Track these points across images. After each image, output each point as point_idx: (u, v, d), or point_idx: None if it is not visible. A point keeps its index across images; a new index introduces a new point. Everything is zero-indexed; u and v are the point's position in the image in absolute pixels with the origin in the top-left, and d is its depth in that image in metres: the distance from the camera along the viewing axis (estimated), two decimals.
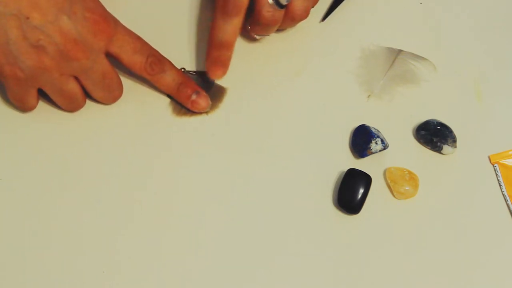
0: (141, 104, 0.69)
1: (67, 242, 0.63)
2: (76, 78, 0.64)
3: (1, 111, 0.67)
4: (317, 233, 0.64)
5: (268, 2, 0.65)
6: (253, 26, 0.69)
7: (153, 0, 0.73)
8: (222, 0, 0.66)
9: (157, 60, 0.66)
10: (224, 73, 0.69)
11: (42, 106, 0.67)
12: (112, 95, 0.66)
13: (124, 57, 0.65)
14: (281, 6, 0.66)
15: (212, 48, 0.68)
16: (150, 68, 0.65)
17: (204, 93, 0.68)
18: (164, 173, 0.66)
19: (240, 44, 0.72)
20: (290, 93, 0.70)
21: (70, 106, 0.66)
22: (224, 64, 0.68)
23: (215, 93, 0.69)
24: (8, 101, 0.67)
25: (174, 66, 0.68)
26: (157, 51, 0.66)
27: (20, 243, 0.63)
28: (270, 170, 0.66)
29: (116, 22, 0.64)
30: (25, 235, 0.63)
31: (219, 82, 0.70)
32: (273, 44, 0.72)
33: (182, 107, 0.68)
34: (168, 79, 0.67)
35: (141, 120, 0.68)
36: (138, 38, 0.65)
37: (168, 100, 0.69)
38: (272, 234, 0.64)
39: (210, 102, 0.68)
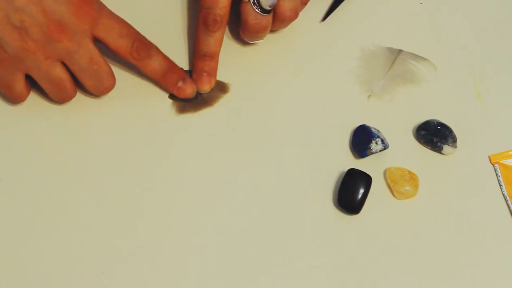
0: (142, 104, 0.69)
1: (67, 242, 0.63)
2: (64, 65, 0.63)
3: (1, 111, 0.67)
4: (317, 233, 0.64)
5: (253, 11, 0.66)
6: (243, 33, 0.69)
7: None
8: (202, 15, 0.67)
9: (144, 45, 0.66)
10: (211, 83, 0.69)
11: (42, 105, 0.67)
12: (102, 84, 0.66)
13: (109, 41, 0.64)
14: (266, 12, 0.66)
15: (197, 60, 0.69)
16: (136, 52, 0.65)
17: (190, 80, 0.68)
18: (164, 174, 0.66)
19: (240, 44, 0.72)
20: (290, 93, 0.70)
21: (59, 94, 0.66)
22: (210, 75, 0.69)
23: (215, 89, 0.69)
24: (8, 101, 0.67)
25: (161, 52, 0.67)
26: (143, 36, 0.66)
27: (20, 243, 0.63)
28: (270, 170, 0.66)
29: (101, 6, 0.64)
30: (25, 235, 0.63)
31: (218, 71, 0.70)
32: (273, 44, 0.72)
33: (179, 101, 0.68)
34: (155, 64, 0.67)
35: (141, 120, 0.68)
36: (124, 23, 0.65)
37: (169, 100, 0.69)
38: (272, 234, 0.64)
39: (196, 89, 0.68)
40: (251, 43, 0.71)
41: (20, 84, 0.64)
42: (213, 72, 0.69)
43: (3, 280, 0.61)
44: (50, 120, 0.67)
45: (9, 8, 0.59)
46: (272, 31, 0.71)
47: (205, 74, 0.69)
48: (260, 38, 0.70)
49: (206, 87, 0.69)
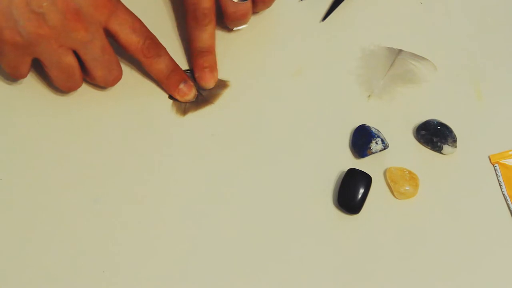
0: (141, 103, 0.69)
1: (67, 242, 0.63)
2: (75, 54, 0.64)
3: (1, 111, 0.67)
4: (317, 233, 0.64)
5: (230, 0, 0.67)
6: (226, 22, 0.70)
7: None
8: (191, 12, 0.68)
9: (154, 44, 0.66)
10: (215, 78, 0.69)
11: (42, 105, 0.67)
12: (111, 74, 0.66)
13: (121, 36, 0.65)
14: None
15: (195, 58, 0.69)
16: (147, 50, 0.66)
17: (191, 83, 0.68)
18: (165, 174, 0.66)
19: (240, 44, 0.72)
20: (290, 93, 0.70)
21: (67, 83, 0.65)
22: (212, 69, 0.69)
23: (215, 86, 0.69)
24: (7, 101, 0.67)
25: (168, 53, 0.68)
26: (154, 36, 0.67)
27: (20, 243, 0.63)
28: (270, 170, 0.66)
29: (118, 1, 0.65)
30: (25, 235, 0.63)
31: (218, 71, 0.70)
32: (273, 44, 0.72)
33: (179, 102, 0.68)
34: (162, 64, 0.67)
35: (141, 119, 0.68)
36: (138, 19, 0.66)
37: (169, 100, 0.69)
38: (272, 234, 0.64)
39: (196, 92, 0.69)
40: (235, 30, 0.72)
41: (26, 66, 0.64)
42: (214, 66, 0.69)
43: (3, 280, 0.61)
44: (50, 119, 0.67)
45: None
46: (256, 13, 0.71)
47: (206, 69, 0.69)
48: (243, 24, 0.71)
49: (210, 83, 0.69)
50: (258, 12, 0.72)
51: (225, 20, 0.70)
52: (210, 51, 0.69)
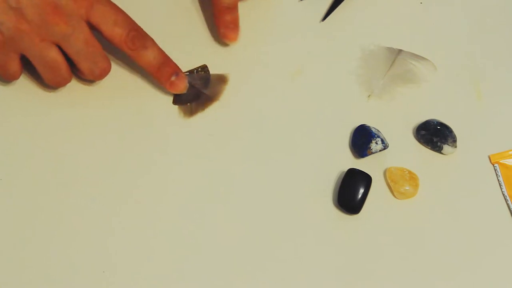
0: (140, 103, 0.69)
1: (67, 242, 0.63)
2: (60, 48, 0.63)
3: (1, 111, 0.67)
4: (317, 233, 0.64)
5: None
6: None
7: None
8: None
9: (139, 35, 0.66)
10: (238, 34, 0.70)
11: (42, 105, 0.67)
12: (97, 66, 0.65)
13: (104, 28, 0.64)
14: None
15: (221, 14, 0.69)
16: (131, 42, 0.65)
17: (183, 75, 0.68)
18: (164, 173, 0.66)
19: (240, 44, 0.72)
20: (290, 93, 0.70)
21: (54, 78, 0.65)
22: (236, 26, 0.70)
23: (216, 83, 0.69)
24: (5, 101, 0.67)
25: (157, 44, 0.67)
26: (140, 27, 0.66)
27: (20, 243, 0.63)
28: (270, 170, 0.66)
29: None
30: (24, 235, 0.63)
31: (217, 71, 0.70)
32: (273, 43, 0.72)
33: (184, 104, 0.68)
34: (149, 56, 0.66)
35: (140, 120, 0.68)
36: (120, 11, 0.65)
37: (169, 100, 0.69)
38: (272, 234, 0.64)
39: (187, 84, 0.68)
40: (253, 37, 0.71)
41: (14, 64, 0.64)
42: (237, 22, 0.70)
43: (3, 280, 0.61)
44: (50, 119, 0.67)
45: None
46: None
47: (231, 25, 0.69)
48: None
49: (235, 37, 0.70)
50: None
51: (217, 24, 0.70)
52: (235, 7, 0.69)
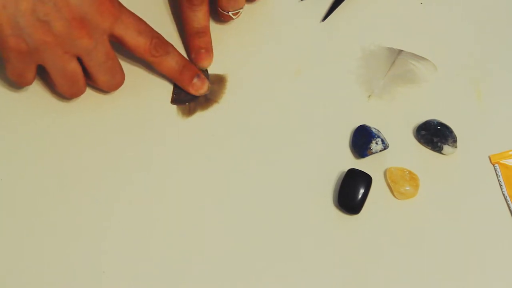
0: (141, 104, 0.69)
1: (67, 242, 0.63)
2: (79, 61, 0.64)
3: (1, 112, 0.67)
4: (317, 233, 0.64)
5: None
6: (221, 2, 0.69)
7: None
8: None
9: (161, 42, 0.67)
10: (210, 58, 0.70)
11: (42, 105, 0.67)
12: (114, 79, 0.66)
13: (128, 39, 0.65)
14: None
15: (191, 39, 0.70)
16: (155, 50, 0.66)
17: (204, 76, 0.69)
18: (165, 174, 0.66)
19: (240, 44, 0.72)
20: (290, 93, 0.70)
21: (71, 89, 0.66)
22: (208, 50, 0.70)
23: (215, 83, 0.69)
24: (7, 102, 0.67)
25: (177, 50, 0.68)
26: (160, 34, 0.67)
27: (20, 243, 0.63)
28: (269, 170, 0.66)
29: (121, 4, 0.65)
30: (25, 235, 0.63)
31: (217, 71, 0.70)
32: (273, 43, 0.72)
33: (182, 104, 0.68)
34: (172, 62, 0.67)
35: (141, 121, 0.68)
36: (142, 21, 0.66)
37: (167, 101, 0.69)
38: (272, 234, 0.64)
39: (210, 85, 0.69)
40: (232, 17, 0.71)
41: (31, 74, 0.64)
42: (210, 47, 0.70)
43: (3, 280, 0.61)
44: (50, 120, 0.67)
45: (36, 1, 0.60)
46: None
47: (202, 50, 0.70)
48: (239, 4, 0.70)
49: (206, 63, 0.70)
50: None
51: (219, 4, 0.69)
52: (205, 31, 0.70)
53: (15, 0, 0.59)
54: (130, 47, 0.65)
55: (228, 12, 0.70)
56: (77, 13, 0.61)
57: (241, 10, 0.70)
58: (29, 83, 0.66)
